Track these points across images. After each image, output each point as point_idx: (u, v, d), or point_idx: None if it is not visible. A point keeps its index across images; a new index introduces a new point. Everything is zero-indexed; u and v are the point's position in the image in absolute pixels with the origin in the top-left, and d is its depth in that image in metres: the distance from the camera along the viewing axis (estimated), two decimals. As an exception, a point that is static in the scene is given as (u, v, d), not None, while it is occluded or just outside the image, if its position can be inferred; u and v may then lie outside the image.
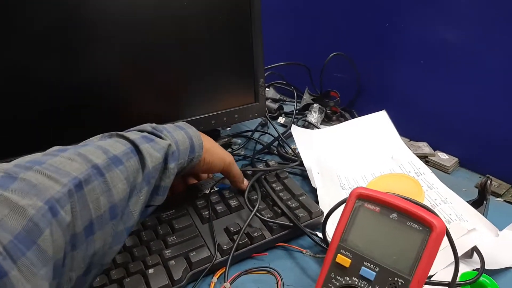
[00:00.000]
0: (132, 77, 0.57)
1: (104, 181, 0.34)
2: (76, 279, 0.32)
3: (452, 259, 0.38)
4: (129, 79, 0.57)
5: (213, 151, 0.50)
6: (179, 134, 0.45)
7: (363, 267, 0.36)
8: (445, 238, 0.37)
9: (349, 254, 0.37)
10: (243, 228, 0.49)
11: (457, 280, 0.42)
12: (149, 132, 0.42)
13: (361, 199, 0.39)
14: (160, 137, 0.42)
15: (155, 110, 0.61)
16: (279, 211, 0.53)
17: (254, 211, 0.51)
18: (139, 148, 0.39)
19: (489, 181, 0.55)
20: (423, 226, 0.35)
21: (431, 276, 0.45)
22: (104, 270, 0.43)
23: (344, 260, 0.37)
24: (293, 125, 0.73)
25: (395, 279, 0.34)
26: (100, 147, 0.36)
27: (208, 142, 0.50)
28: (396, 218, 0.36)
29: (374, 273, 0.35)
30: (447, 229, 0.39)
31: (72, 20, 0.49)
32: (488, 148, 0.68)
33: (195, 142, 0.47)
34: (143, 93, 0.59)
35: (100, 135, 0.40)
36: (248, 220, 0.50)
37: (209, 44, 0.62)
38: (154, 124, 0.45)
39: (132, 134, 0.41)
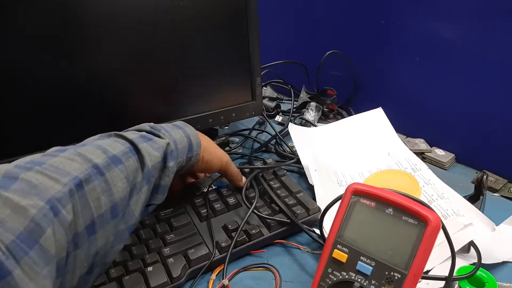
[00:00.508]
0: (130, 77, 0.57)
1: (104, 180, 0.34)
2: (79, 279, 0.32)
3: (449, 254, 0.39)
4: (127, 78, 0.57)
5: (211, 150, 0.51)
6: (177, 133, 0.45)
7: (359, 262, 0.36)
8: (442, 233, 0.37)
9: (346, 249, 0.37)
10: (241, 225, 0.50)
11: (454, 274, 0.42)
12: (147, 132, 0.43)
13: (357, 195, 0.39)
14: (159, 136, 0.43)
15: (152, 109, 0.61)
16: (277, 208, 0.53)
17: (252, 208, 0.51)
18: (138, 148, 0.39)
19: (485, 176, 0.56)
20: (419, 221, 0.35)
21: (428, 271, 0.46)
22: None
23: (340, 255, 0.37)
24: (290, 123, 0.73)
25: (391, 273, 0.35)
26: (100, 147, 0.37)
27: (206, 141, 0.50)
28: (391, 213, 0.36)
29: (371, 268, 0.35)
30: (443, 223, 0.39)
31: (71, 21, 0.49)
32: (485, 144, 0.68)
33: (193, 141, 0.47)
34: (141, 93, 0.59)
35: (98, 135, 0.40)
36: (246, 218, 0.50)
37: (206, 44, 0.62)
38: (152, 124, 0.45)
39: (131, 133, 0.41)
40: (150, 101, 0.61)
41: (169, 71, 0.61)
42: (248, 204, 0.53)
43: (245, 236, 0.49)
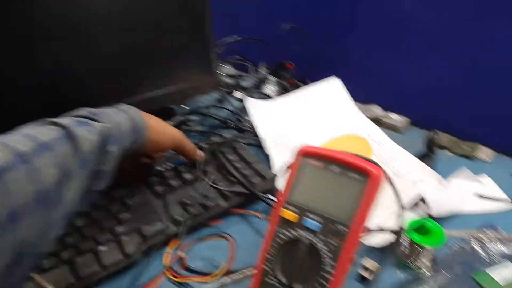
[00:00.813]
0: (79, 56, 0.55)
1: (30, 168, 0.32)
2: (7, 268, 0.31)
3: (400, 208, 0.40)
4: (75, 58, 0.54)
5: (160, 129, 0.50)
6: (119, 116, 0.44)
7: (307, 219, 0.36)
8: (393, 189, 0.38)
9: (295, 209, 0.37)
10: (197, 199, 0.49)
11: (404, 226, 0.44)
12: (84, 117, 0.41)
13: (306, 156, 0.39)
14: (97, 121, 0.41)
15: (105, 91, 0.59)
16: (234, 180, 0.53)
17: (208, 181, 0.51)
18: (72, 133, 0.37)
19: (435, 135, 0.58)
20: (361, 175, 0.36)
21: (380, 226, 0.47)
22: (54, 251, 0.42)
23: (289, 214, 0.37)
24: (246, 97, 0.73)
25: (337, 227, 0.35)
26: (27, 135, 0.35)
27: (154, 122, 0.49)
28: (337, 171, 0.37)
29: (318, 224, 0.36)
30: (389, 177, 0.40)
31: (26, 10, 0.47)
32: (437, 106, 0.70)
33: (138, 122, 0.45)
34: (91, 74, 0.57)
35: (29, 123, 0.38)
36: (202, 191, 0.50)
37: (158, 21, 0.60)
38: (90, 108, 0.43)
39: (65, 119, 0.39)
40: (102, 83, 0.58)
41: (121, 50, 0.58)
42: (205, 178, 0.52)
43: (202, 209, 0.49)
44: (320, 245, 0.35)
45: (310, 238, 0.36)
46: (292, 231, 0.37)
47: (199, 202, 0.50)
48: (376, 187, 0.35)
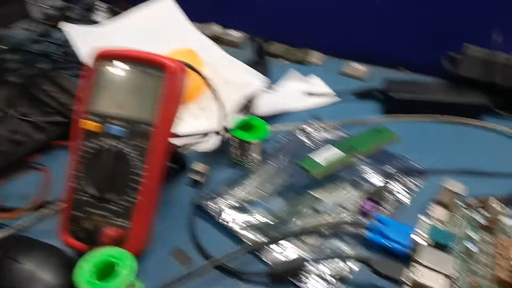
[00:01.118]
0: None
1: None
2: None
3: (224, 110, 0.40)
4: None
5: None
6: None
7: (111, 126, 0.34)
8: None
9: (96, 118, 0.35)
10: (5, 135, 0.43)
11: (230, 127, 0.45)
12: None
13: (101, 61, 0.36)
14: None
15: None
16: (52, 110, 0.48)
17: (16, 114, 0.45)
18: None
19: (262, 42, 0.59)
20: (158, 70, 0.34)
21: (207, 130, 0.47)
22: None
23: (91, 125, 0.34)
24: (65, 24, 0.64)
25: (142, 127, 0.34)
26: None
27: None
28: (134, 70, 0.35)
29: (123, 129, 0.34)
30: (210, 82, 0.39)
31: None
32: (269, 18, 0.72)
33: None
34: None
35: None
36: (10, 127, 0.44)
37: None
38: None
39: None
40: None
41: None
42: (14, 113, 0.46)
43: (13, 145, 0.43)
44: (127, 150, 0.34)
45: (116, 145, 0.34)
46: (97, 142, 0.34)
47: (7, 138, 0.43)
48: (175, 80, 0.34)
